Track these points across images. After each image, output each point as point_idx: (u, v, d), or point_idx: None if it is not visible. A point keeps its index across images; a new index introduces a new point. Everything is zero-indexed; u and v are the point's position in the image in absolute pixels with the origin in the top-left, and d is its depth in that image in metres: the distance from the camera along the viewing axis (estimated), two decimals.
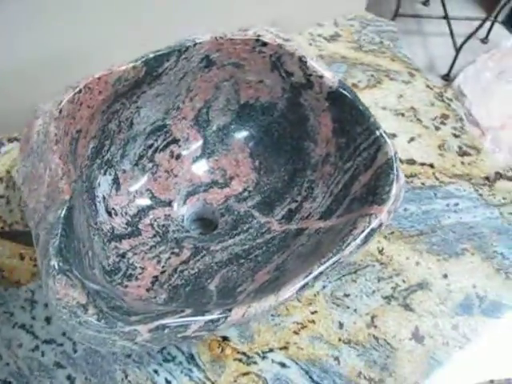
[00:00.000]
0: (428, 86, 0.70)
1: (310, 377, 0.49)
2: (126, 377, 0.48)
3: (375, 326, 0.52)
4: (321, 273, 0.41)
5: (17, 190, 0.57)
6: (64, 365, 0.48)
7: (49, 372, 0.48)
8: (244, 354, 0.50)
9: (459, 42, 1.61)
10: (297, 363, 0.50)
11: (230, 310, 0.38)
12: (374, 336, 0.52)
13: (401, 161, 0.62)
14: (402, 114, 0.67)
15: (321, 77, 0.47)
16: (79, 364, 0.49)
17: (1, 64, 0.59)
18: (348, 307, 0.53)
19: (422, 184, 0.61)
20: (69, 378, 0.48)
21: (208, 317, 0.38)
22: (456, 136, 0.65)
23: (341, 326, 0.52)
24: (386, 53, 0.73)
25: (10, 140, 0.61)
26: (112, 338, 0.37)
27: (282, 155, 0.54)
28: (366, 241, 0.43)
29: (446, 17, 1.74)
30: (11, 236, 0.55)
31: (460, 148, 0.64)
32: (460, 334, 0.52)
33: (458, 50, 1.63)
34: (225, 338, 0.51)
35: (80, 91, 0.43)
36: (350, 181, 0.48)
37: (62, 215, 0.38)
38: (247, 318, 0.39)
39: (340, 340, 0.51)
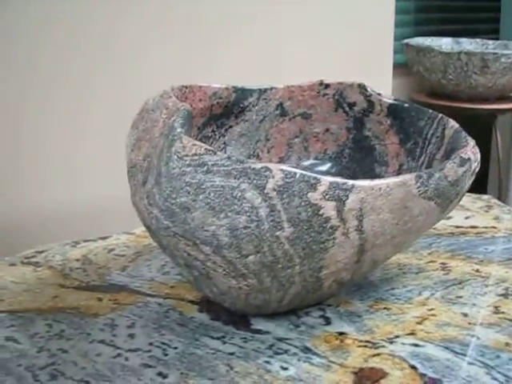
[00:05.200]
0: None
1: (452, 350, 0.41)
2: (232, 368, 0.40)
3: (503, 312, 0.46)
4: (432, 174, 0.42)
5: (92, 264, 0.56)
6: (153, 365, 0.40)
7: (135, 371, 0.40)
8: (368, 341, 0.43)
9: None
10: (431, 342, 0.42)
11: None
12: (505, 318, 0.45)
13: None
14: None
15: (379, 94, 0.56)
16: (171, 363, 0.41)
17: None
18: (465, 303, 0.48)
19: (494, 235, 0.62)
20: (160, 374, 0.40)
21: (338, 179, 0.37)
22: (506, 213, 0.68)
23: (465, 315, 0.46)
24: None
25: (86, 241, 0.62)
26: (241, 187, 0.36)
27: None
28: (462, 164, 0.44)
29: None
30: (88, 288, 0.52)
31: None
32: None
33: None
34: (341, 334, 0.44)
35: (186, 87, 0.51)
36: (427, 168, 0.52)
37: (186, 111, 0.41)
38: (373, 187, 0.38)
39: (470, 324, 0.45)
